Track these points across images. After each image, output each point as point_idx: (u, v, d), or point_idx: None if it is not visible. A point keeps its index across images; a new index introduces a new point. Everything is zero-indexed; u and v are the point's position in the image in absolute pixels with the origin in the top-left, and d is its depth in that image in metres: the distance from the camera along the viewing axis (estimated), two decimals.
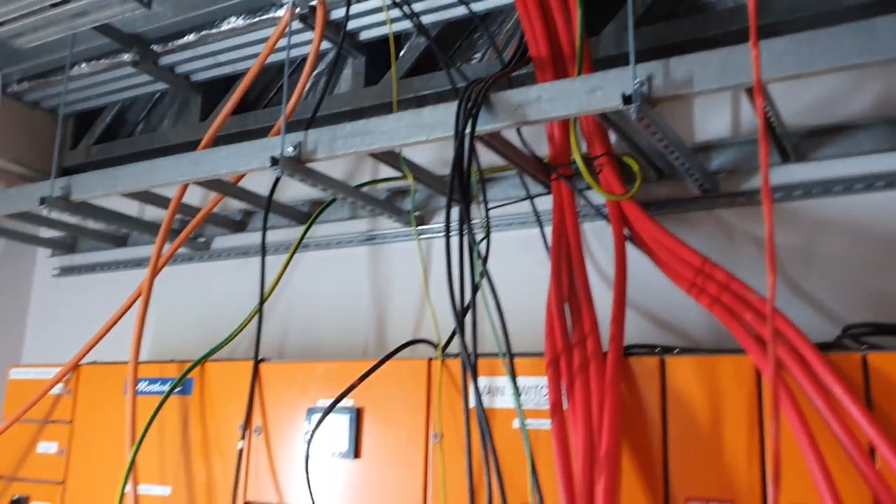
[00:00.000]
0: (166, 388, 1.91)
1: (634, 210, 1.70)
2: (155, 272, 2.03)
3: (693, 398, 1.38)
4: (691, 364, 1.40)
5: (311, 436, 1.65)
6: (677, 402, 1.40)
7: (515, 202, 2.01)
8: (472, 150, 1.53)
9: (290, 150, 1.75)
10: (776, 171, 1.76)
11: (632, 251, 1.69)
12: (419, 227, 2.17)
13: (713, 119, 1.84)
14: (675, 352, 1.44)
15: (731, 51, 1.34)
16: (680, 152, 1.63)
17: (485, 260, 1.82)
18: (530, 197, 1.98)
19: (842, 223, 1.71)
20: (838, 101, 1.71)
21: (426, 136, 1.62)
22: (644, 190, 1.88)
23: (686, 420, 1.38)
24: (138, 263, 2.69)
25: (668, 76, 1.41)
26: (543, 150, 1.86)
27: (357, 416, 1.68)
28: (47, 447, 2.09)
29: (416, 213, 2.19)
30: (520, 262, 2.01)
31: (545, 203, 1.92)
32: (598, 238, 1.95)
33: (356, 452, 1.67)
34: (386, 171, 2.06)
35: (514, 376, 1.44)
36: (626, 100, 1.41)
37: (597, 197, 1.88)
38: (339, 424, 1.69)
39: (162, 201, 2.33)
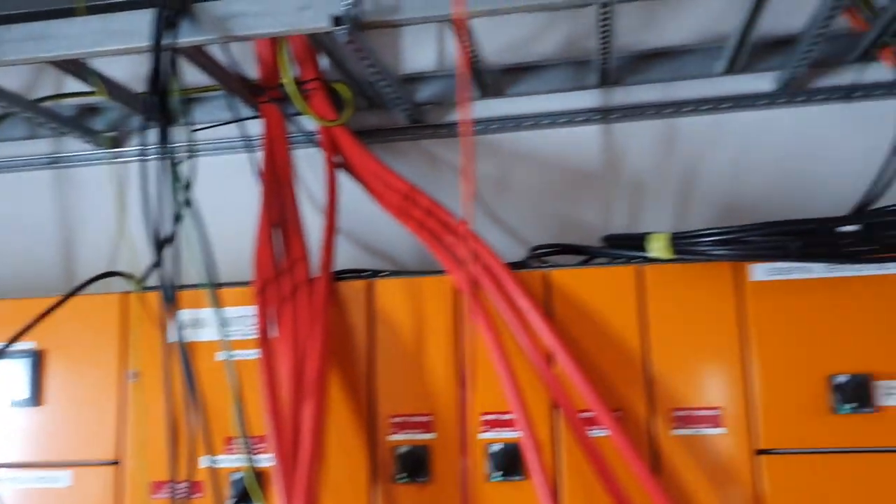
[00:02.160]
0: None
1: (345, 137, 1.70)
2: None
3: (399, 319, 1.43)
4: (398, 286, 1.44)
5: None
6: (385, 324, 1.44)
7: (223, 125, 1.89)
8: (174, 64, 1.41)
9: None
10: (477, 106, 1.85)
11: (344, 179, 1.69)
12: (114, 150, 1.97)
13: (421, 51, 1.88)
14: (382, 274, 1.48)
15: None
16: (390, 81, 1.65)
17: (188, 185, 1.71)
18: (239, 120, 1.87)
19: (531, 155, 1.85)
20: (531, 42, 1.84)
21: (118, 44, 1.45)
22: (355, 118, 1.88)
23: (393, 341, 1.43)
24: None
25: (378, 1, 1.40)
26: (253, 71, 1.77)
27: (37, 359, 1.51)
28: None
29: (111, 134, 1.98)
30: (229, 188, 1.91)
31: (256, 127, 1.84)
32: (310, 165, 1.92)
33: (37, 399, 1.50)
34: (75, 85, 1.83)
35: (218, 306, 1.38)
36: (336, 21, 1.38)
37: (308, 123, 1.84)
38: (16, 370, 1.50)
39: None
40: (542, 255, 1.59)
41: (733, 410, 1.31)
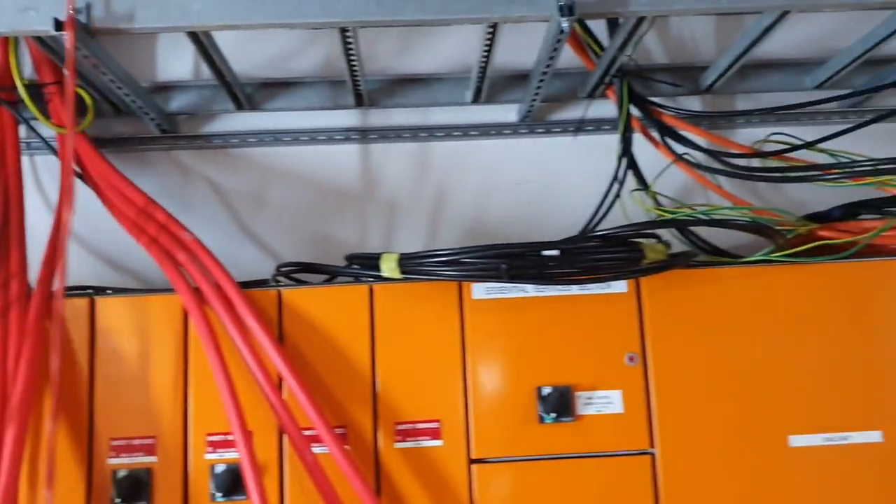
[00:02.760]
0: None
1: (84, 145, 1.62)
2: None
3: (124, 339, 1.38)
4: (123, 304, 1.39)
5: None
6: (108, 344, 1.38)
7: None
8: None
9: None
10: (232, 118, 1.84)
11: (86, 188, 1.61)
12: None
13: (176, 60, 1.83)
14: (107, 292, 1.42)
15: None
16: (130, 90, 1.59)
17: None
18: None
19: (289, 171, 1.86)
20: (290, 58, 1.85)
21: None
22: (104, 125, 1.80)
23: (116, 361, 1.37)
24: None
25: (110, 8, 1.36)
26: None
27: None
28: None
29: None
30: None
31: None
32: (51, 173, 1.81)
33: None
34: None
35: None
36: (59, 26, 1.32)
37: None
38: None
39: None
40: (287, 273, 1.60)
41: (451, 422, 1.38)
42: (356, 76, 1.69)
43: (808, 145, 1.58)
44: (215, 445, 1.35)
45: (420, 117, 1.88)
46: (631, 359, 1.40)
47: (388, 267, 1.41)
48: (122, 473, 1.33)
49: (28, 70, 1.65)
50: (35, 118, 1.65)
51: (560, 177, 1.87)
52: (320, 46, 1.85)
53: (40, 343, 1.32)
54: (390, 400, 1.38)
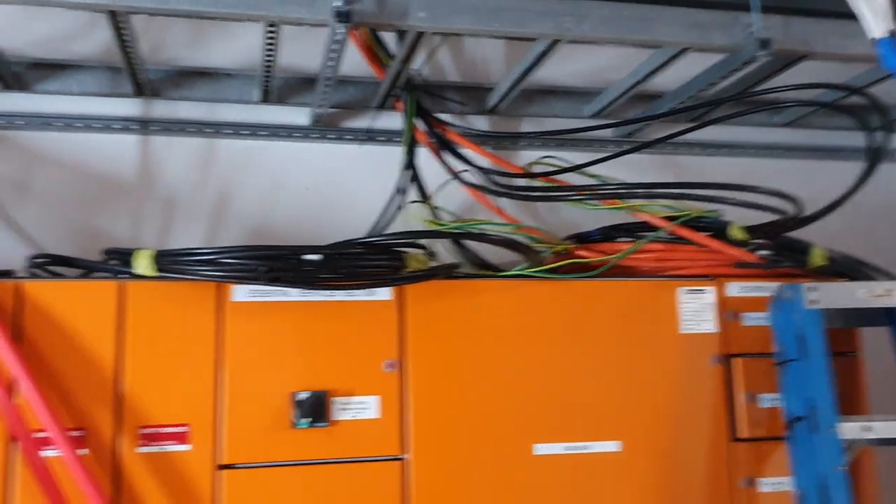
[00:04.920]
0: None
1: None
2: None
3: None
4: None
5: None
6: None
7: None
8: None
9: None
10: None
11: None
12: None
13: None
14: None
15: None
16: None
17: None
18: None
19: (60, 158, 1.75)
20: (69, 40, 1.74)
21: None
22: None
23: None
24: None
25: None
26: None
27: None
28: None
29: None
30: None
31: None
32: None
33: None
34: None
35: None
36: None
37: None
38: None
39: None
40: (40, 265, 1.50)
41: (201, 427, 1.34)
42: (134, 64, 1.62)
43: (575, 168, 1.68)
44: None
45: (207, 112, 1.82)
46: (390, 365, 1.42)
47: (143, 264, 1.35)
48: None
49: None
50: None
51: (348, 184, 1.88)
52: (101, 29, 1.74)
53: None
54: (137, 403, 1.32)
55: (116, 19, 1.43)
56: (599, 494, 1.48)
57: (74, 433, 1.28)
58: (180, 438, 1.33)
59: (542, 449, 1.46)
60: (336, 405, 1.39)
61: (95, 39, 1.75)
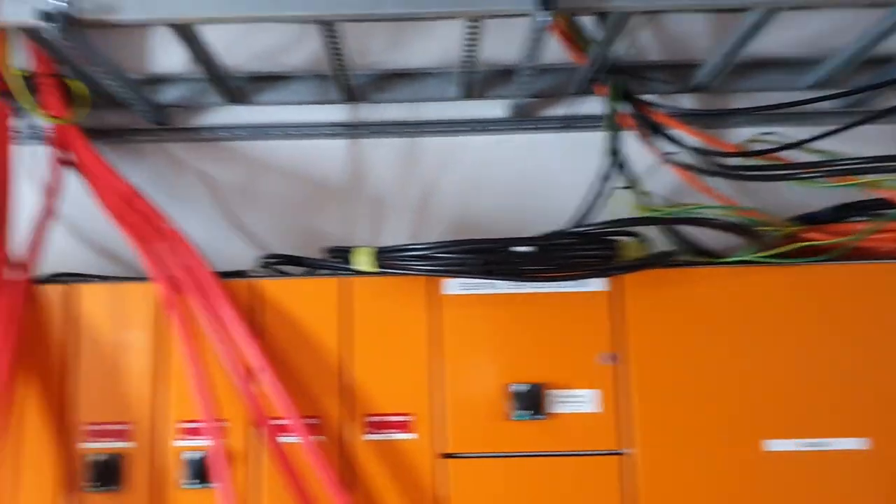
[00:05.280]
0: None
1: (76, 136, 1.64)
2: None
3: (102, 326, 1.40)
4: (101, 291, 1.42)
5: None
6: (86, 330, 1.40)
7: None
8: None
9: None
10: (223, 111, 1.85)
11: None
12: None
13: (168, 53, 1.85)
14: (92, 279, 1.44)
15: None
16: (120, 82, 1.61)
17: None
18: None
19: (278, 165, 1.87)
20: (282, 52, 1.85)
21: None
22: (97, 117, 1.82)
23: (93, 348, 1.39)
24: None
25: (96, 0, 1.37)
26: None
27: None
28: None
29: None
30: None
31: None
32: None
33: None
34: None
35: None
36: (47, 17, 1.34)
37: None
38: None
39: None
40: (269, 265, 1.61)
41: (423, 416, 1.38)
42: (343, 71, 1.70)
43: (797, 144, 1.55)
44: (187, 433, 1.36)
45: (409, 112, 1.88)
46: (608, 358, 1.39)
47: (363, 261, 1.41)
48: (94, 458, 1.34)
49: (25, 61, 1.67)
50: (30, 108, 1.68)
51: (549, 173, 1.86)
52: (310, 41, 1.85)
53: (20, 327, 1.34)
54: (362, 393, 1.39)
55: (328, 28, 1.50)
56: (840, 495, 1.37)
57: (310, 421, 1.36)
58: (404, 427, 1.37)
59: (773, 445, 1.37)
60: (552, 398, 1.38)
61: (305, 50, 1.86)
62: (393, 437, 1.37)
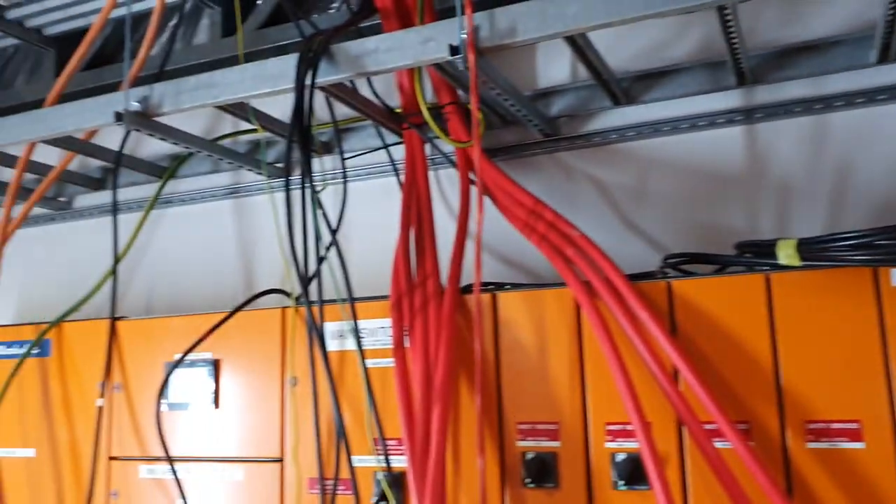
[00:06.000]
0: (23, 350, 1.89)
1: (479, 157, 1.77)
2: (5, 235, 1.98)
3: (523, 330, 1.48)
4: (520, 298, 1.50)
5: (163, 389, 1.67)
6: (509, 335, 1.49)
7: (370, 152, 2.05)
8: (311, 100, 1.55)
9: (134, 104, 1.73)
10: (610, 114, 1.86)
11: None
12: (278, 179, 2.19)
13: (554, 65, 1.91)
14: (506, 287, 1.53)
15: (548, 1, 1.40)
16: (515, 100, 1.70)
17: (342, 210, 1.88)
18: (385, 147, 2.02)
19: (669, 161, 1.83)
20: (665, 47, 1.81)
21: (270, 87, 1.62)
22: (492, 136, 1.96)
23: (517, 351, 1.48)
24: None
25: (494, 26, 1.46)
26: (398, 100, 1.90)
27: (215, 367, 1.72)
28: None
29: (278, 165, 2.20)
30: (380, 209, 2.06)
31: (401, 152, 1.96)
32: (453, 184, 2.02)
33: (215, 402, 1.71)
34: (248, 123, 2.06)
35: (354, 319, 1.50)
36: (454, 50, 1.46)
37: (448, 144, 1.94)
38: (198, 376, 1.72)
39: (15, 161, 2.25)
40: (674, 265, 1.57)
41: (874, 423, 1.22)
42: (737, 54, 1.60)
43: None
44: (615, 434, 1.38)
45: (813, 88, 1.70)
46: None
47: (786, 254, 1.30)
48: (530, 456, 1.42)
49: (428, 94, 1.86)
50: (437, 137, 1.86)
51: None
52: (694, 30, 1.78)
53: (455, 333, 1.47)
54: (797, 396, 1.28)
55: (724, 11, 1.43)
56: None
57: (740, 426, 1.29)
58: (852, 435, 1.23)
59: None
60: None
61: (688, 41, 1.79)
62: (839, 446, 1.24)
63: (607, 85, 1.77)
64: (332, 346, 1.61)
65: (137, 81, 1.77)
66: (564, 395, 1.43)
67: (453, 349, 1.45)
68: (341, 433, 1.38)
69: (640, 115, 1.85)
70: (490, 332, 1.50)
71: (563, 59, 1.91)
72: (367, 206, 2.07)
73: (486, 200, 1.74)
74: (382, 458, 1.43)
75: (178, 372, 1.72)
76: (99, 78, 2.41)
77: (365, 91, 1.84)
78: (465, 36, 1.46)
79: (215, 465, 1.70)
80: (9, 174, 2.53)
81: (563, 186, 1.90)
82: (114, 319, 1.84)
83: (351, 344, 1.62)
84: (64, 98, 2.02)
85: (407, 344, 1.52)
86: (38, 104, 2.39)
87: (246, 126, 2.13)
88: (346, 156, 2.01)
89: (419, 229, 1.71)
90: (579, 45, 1.59)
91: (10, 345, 1.96)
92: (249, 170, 2.17)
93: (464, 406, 1.49)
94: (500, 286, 1.57)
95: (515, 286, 1.57)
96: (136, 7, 2.03)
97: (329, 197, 2.05)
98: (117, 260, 1.93)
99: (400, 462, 1.50)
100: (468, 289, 1.57)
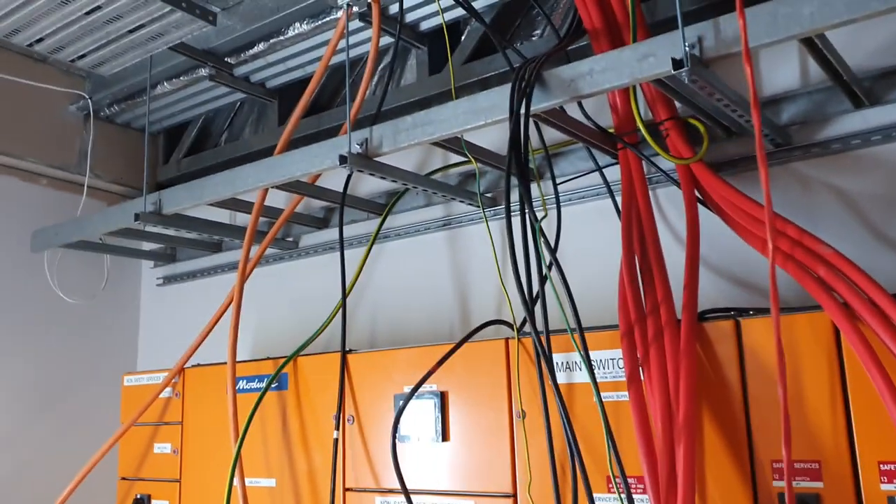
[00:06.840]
0: (263, 384, 2.02)
1: (703, 171, 1.67)
2: (244, 275, 2.13)
3: (771, 359, 1.36)
4: (767, 324, 1.38)
5: (396, 422, 1.70)
6: (756, 364, 1.38)
7: (584, 175, 2.00)
8: (527, 129, 1.54)
9: (356, 147, 1.81)
10: (850, 118, 1.69)
11: (707, 213, 1.67)
12: (491, 209, 2.20)
13: (780, 71, 1.78)
14: (749, 313, 1.42)
15: (779, 2, 1.30)
16: (743, 110, 1.59)
17: (557, 237, 1.85)
18: (599, 169, 1.97)
19: None
20: None
21: (483, 119, 1.64)
22: (715, 150, 1.84)
23: (765, 382, 1.36)
24: (234, 267, 2.83)
25: (719, 35, 1.38)
26: (609, 119, 1.84)
27: (442, 399, 1.74)
28: (162, 448, 2.25)
29: (488, 195, 2.22)
30: (595, 233, 2.01)
31: (616, 172, 1.90)
32: (672, 203, 1.92)
33: (444, 435, 1.72)
34: (457, 156, 2.09)
35: (585, 351, 1.45)
36: (677, 64, 1.39)
37: (667, 161, 1.85)
38: (425, 409, 1.75)
39: (250, 206, 2.44)
40: None
41: None
42: None
43: None
44: (890, 476, 1.22)
45: None
46: None
47: None
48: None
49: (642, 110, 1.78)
50: (655, 154, 1.78)
51: None
52: None
53: (694, 363, 1.38)
54: None
55: None
56: None
57: None
58: None
59: None
60: None
61: None
62: None
63: (847, 86, 1.61)
64: (558, 378, 1.57)
65: (354, 125, 1.86)
66: (825, 430, 1.29)
67: (695, 381, 1.36)
68: (582, 469, 1.33)
69: (887, 117, 1.66)
70: (734, 362, 1.39)
71: (790, 63, 1.77)
72: (580, 231, 2.03)
73: (717, 219, 1.64)
74: (624, 496, 1.36)
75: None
76: (318, 123, 2.57)
77: (573, 112, 1.80)
78: (689, 48, 1.38)
79: (446, 498, 1.71)
80: (241, 218, 2.77)
81: (799, 199, 1.75)
82: (345, 353, 1.92)
83: (578, 376, 1.57)
84: (288, 145, 2.16)
85: (641, 376, 1.44)
86: (265, 151, 2.61)
87: (456, 159, 2.17)
88: (560, 180, 1.98)
89: (643, 253, 1.63)
90: (817, 46, 1.45)
91: (250, 379, 2.10)
92: (461, 201, 2.19)
93: (708, 441, 1.39)
94: (743, 311, 1.45)
95: (758, 311, 1.45)
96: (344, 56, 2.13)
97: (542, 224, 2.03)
98: (346, 294, 2.02)
99: (640, 501, 1.42)
100: (704, 315, 1.48)
